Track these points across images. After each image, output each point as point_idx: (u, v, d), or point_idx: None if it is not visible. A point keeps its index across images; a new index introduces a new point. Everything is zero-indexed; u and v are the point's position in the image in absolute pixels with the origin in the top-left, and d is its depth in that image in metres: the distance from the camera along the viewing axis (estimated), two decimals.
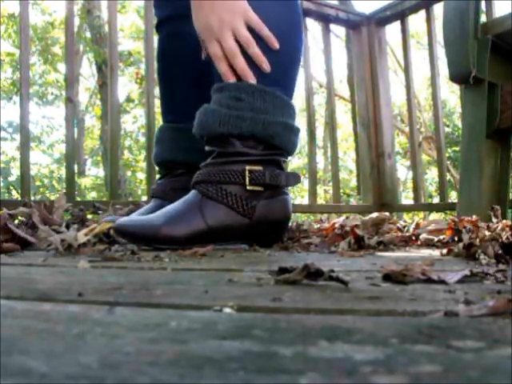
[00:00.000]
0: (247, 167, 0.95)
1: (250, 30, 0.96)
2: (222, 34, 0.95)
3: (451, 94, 9.62)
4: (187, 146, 1.20)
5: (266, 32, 0.97)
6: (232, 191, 0.95)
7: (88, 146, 10.69)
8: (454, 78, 1.61)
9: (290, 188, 1.05)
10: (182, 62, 1.27)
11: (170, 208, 0.96)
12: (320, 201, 5.50)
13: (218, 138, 0.97)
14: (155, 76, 1.46)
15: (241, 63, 0.96)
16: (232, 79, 0.96)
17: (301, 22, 1.07)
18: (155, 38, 1.36)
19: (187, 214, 0.93)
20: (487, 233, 0.87)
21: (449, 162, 7.06)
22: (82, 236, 0.80)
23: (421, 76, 9.21)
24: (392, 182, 2.27)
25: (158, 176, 1.58)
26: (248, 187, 0.95)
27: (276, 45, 0.97)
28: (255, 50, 0.96)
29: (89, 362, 0.20)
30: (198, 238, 0.90)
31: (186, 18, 1.24)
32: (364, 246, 0.92)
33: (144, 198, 2.31)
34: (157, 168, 1.40)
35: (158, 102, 1.43)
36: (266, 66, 0.96)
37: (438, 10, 2.06)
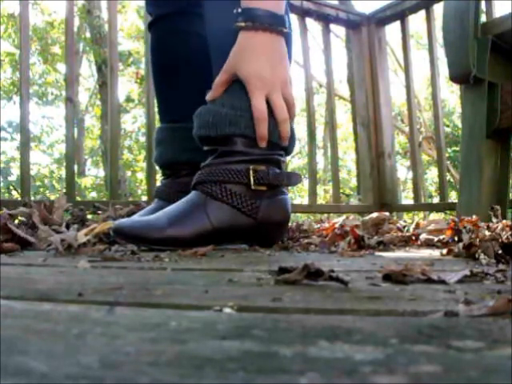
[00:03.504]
0: (251, 166, 0.94)
1: None
2: (275, 88, 0.93)
3: (451, 94, 9.63)
4: (191, 146, 1.14)
5: (293, 110, 0.97)
6: (237, 191, 0.93)
7: (88, 146, 10.69)
8: (454, 78, 1.61)
9: (289, 188, 1.04)
10: (181, 60, 1.24)
11: (172, 209, 0.93)
12: (320, 201, 5.50)
13: (220, 137, 0.95)
14: None
15: (287, 127, 0.96)
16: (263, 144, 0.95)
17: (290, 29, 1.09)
18: None
19: (192, 214, 0.91)
20: (487, 233, 0.87)
21: (449, 162, 7.05)
22: (82, 236, 0.80)
23: (421, 76, 9.22)
24: (392, 182, 2.27)
25: (159, 176, 1.58)
26: (253, 187, 0.94)
27: (294, 117, 0.98)
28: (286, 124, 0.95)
29: (89, 362, 0.20)
30: (203, 239, 0.89)
31: (183, 15, 1.23)
32: (364, 246, 0.92)
33: (144, 198, 2.31)
34: (157, 168, 1.38)
35: None
36: (287, 140, 0.97)
37: (438, 10, 2.06)
